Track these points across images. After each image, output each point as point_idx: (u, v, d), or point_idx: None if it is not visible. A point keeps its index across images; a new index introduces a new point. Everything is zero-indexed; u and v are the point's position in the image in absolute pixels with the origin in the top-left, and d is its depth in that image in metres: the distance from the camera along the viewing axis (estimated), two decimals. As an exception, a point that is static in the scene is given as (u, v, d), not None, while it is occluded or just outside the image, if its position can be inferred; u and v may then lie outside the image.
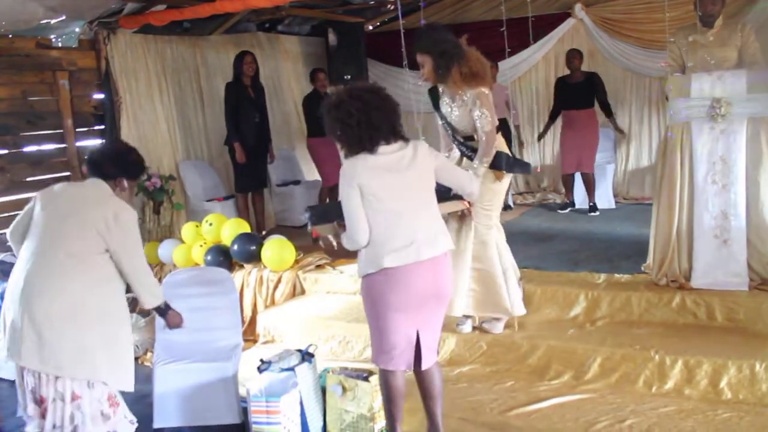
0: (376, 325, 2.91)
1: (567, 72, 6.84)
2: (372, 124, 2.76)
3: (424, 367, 2.95)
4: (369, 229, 2.80)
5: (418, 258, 2.78)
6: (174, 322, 3.18)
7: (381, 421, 3.33)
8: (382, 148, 2.80)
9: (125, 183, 3.00)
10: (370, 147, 2.78)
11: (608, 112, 6.79)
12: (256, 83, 6.52)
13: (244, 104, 6.34)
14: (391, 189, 2.79)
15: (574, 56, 6.70)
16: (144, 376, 4.21)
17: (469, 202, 3.41)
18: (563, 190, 7.29)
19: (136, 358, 4.82)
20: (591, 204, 6.79)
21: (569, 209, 6.97)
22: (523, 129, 7.90)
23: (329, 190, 7.06)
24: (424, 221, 2.85)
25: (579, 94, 6.67)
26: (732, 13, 6.01)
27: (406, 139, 2.87)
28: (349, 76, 8.01)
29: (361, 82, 3.06)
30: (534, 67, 7.79)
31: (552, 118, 7.03)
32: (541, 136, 7.29)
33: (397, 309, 2.81)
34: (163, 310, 3.13)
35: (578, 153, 6.72)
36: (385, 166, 2.79)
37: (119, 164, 2.99)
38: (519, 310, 4.04)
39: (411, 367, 2.95)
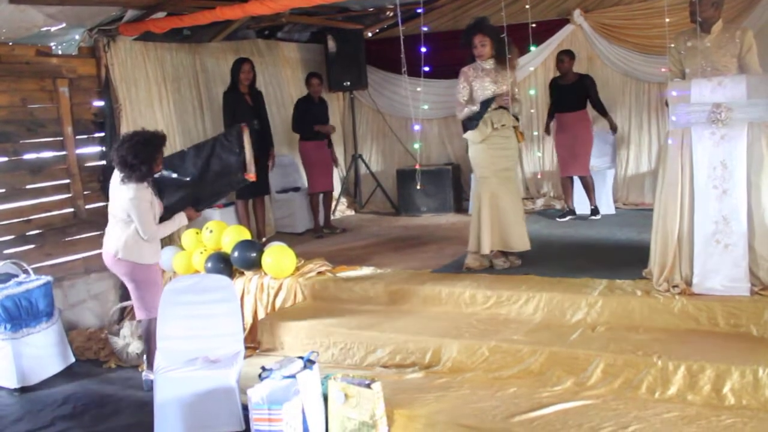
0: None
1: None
2: (122, 159, 4.15)
3: None
4: None
5: (103, 249, 4.44)
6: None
7: (383, 428, 3.33)
8: (120, 175, 4.21)
9: None
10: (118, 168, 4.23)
11: (603, 112, 6.74)
12: (253, 90, 6.52)
13: (243, 112, 6.34)
14: (111, 200, 4.36)
15: (562, 58, 6.62)
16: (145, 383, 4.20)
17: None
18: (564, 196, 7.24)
19: (136, 366, 4.81)
20: (592, 207, 6.74)
21: (569, 217, 6.82)
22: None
23: (318, 196, 7.06)
24: (110, 231, 4.37)
25: (571, 96, 6.63)
26: (731, 17, 6.02)
27: (135, 178, 4.16)
28: (348, 83, 8.04)
29: (143, 132, 4.33)
30: (533, 72, 7.79)
31: (551, 116, 6.96)
32: (547, 130, 7.14)
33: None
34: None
35: (572, 156, 6.66)
36: (114, 187, 4.31)
37: None
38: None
39: None
